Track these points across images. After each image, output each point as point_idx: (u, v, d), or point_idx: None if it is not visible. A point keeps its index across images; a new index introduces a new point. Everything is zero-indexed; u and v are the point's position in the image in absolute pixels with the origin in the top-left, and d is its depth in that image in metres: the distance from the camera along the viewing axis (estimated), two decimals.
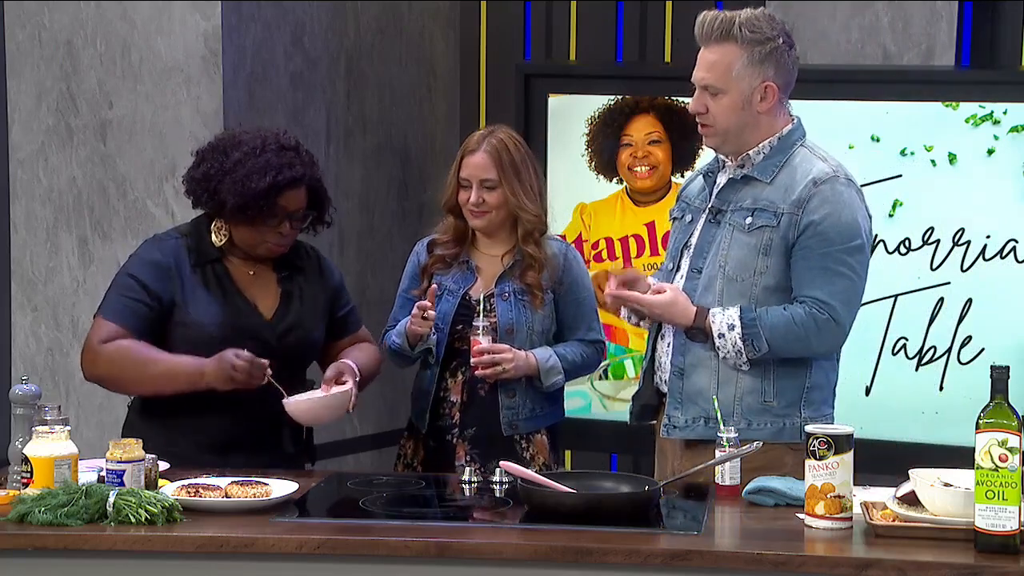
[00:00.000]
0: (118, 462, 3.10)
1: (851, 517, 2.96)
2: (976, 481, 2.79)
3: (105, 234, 4.97)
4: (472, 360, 3.72)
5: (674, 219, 3.67)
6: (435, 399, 3.83)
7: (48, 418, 3.16)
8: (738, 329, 3.39)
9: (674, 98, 4.87)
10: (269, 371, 3.53)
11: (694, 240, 3.52)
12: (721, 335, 3.40)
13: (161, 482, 3.19)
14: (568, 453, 5.12)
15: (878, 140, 4.63)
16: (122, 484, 3.08)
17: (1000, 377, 2.80)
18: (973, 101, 4.54)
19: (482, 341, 3.71)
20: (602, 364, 4.85)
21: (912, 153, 4.61)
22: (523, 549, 2.91)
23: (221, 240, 3.67)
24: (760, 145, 3.46)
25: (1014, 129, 4.51)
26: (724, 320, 3.40)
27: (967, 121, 4.55)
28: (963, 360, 4.59)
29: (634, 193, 4.98)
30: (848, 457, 2.96)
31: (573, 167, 4.99)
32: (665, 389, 3.54)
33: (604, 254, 5.00)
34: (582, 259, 4.01)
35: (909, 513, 2.93)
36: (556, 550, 2.87)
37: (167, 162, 4.86)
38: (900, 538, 2.88)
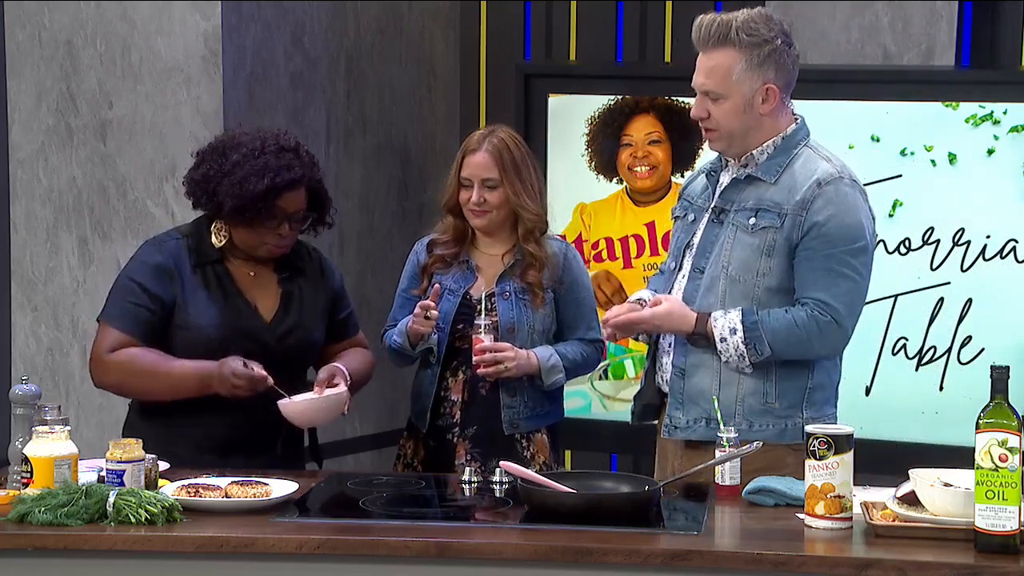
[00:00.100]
0: (118, 462, 3.10)
1: (851, 517, 2.96)
2: (976, 481, 2.79)
3: (105, 234, 4.97)
4: (474, 359, 3.73)
5: (676, 218, 3.66)
6: (436, 398, 3.83)
7: (48, 418, 3.16)
8: (740, 333, 3.38)
9: (674, 98, 4.88)
10: (271, 380, 3.53)
11: (696, 240, 3.51)
12: (723, 339, 3.39)
13: (161, 482, 3.19)
14: (568, 453, 5.12)
15: (878, 140, 4.63)
16: (122, 484, 3.07)
17: (1000, 377, 2.80)
18: (973, 101, 4.54)
19: (484, 340, 3.71)
20: (602, 364, 4.87)
21: (912, 153, 4.61)
22: (523, 549, 2.91)
23: (221, 241, 3.67)
24: (764, 145, 3.45)
25: (1014, 129, 4.51)
26: (726, 324, 3.39)
27: (967, 121, 4.55)
28: (963, 360, 4.59)
29: (634, 193, 4.98)
30: (848, 457, 2.96)
31: (573, 167, 4.99)
32: (667, 389, 3.53)
33: (604, 254, 5.00)
34: (581, 259, 4.01)
35: (909, 513, 2.93)
36: (556, 550, 2.87)
37: (167, 162, 4.86)
38: (900, 538, 2.88)
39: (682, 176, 4.86)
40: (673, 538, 2.95)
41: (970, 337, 4.58)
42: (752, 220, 3.42)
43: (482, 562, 2.90)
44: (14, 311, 5.10)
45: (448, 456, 3.80)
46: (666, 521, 3.12)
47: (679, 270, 3.55)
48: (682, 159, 4.91)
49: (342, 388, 3.61)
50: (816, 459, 2.96)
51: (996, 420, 2.78)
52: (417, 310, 3.73)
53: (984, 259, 4.56)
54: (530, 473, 3.20)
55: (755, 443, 3.25)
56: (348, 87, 5.36)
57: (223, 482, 3.17)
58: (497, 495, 3.35)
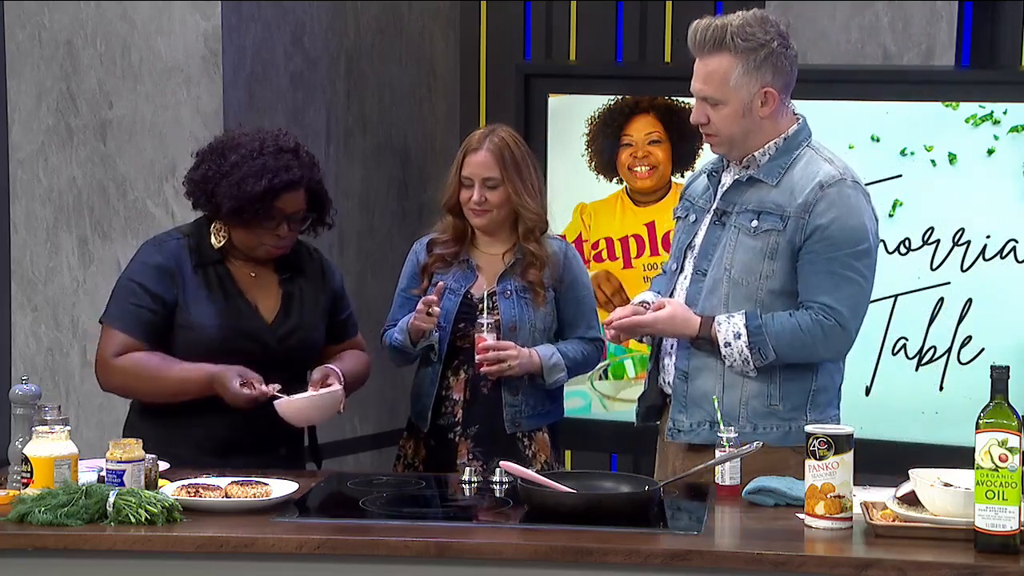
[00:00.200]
0: (118, 462, 3.10)
1: (851, 517, 2.96)
2: (976, 481, 2.79)
3: (105, 234, 4.97)
4: (477, 357, 3.73)
5: (678, 218, 3.65)
6: (437, 398, 3.83)
7: (48, 418, 3.16)
8: (744, 338, 3.37)
9: (674, 98, 4.88)
10: (276, 387, 3.53)
11: (698, 241, 3.50)
12: (727, 344, 3.39)
13: (161, 482, 3.19)
14: (568, 453, 5.12)
15: (878, 140, 4.63)
16: (122, 484, 3.07)
17: (1000, 377, 2.80)
18: (973, 101, 4.54)
19: (487, 338, 3.72)
20: (602, 364, 4.88)
21: (912, 153, 4.61)
22: (523, 549, 2.91)
23: (220, 242, 3.66)
24: (765, 146, 3.43)
25: (1014, 129, 4.51)
26: (730, 329, 3.38)
27: (967, 121, 4.55)
28: (963, 360, 4.59)
29: (634, 193, 4.98)
30: (848, 457, 2.96)
31: (573, 167, 4.99)
32: (669, 391, 3.53)
33: (604, 254, 5.00)
34: (581, 258, 4.02)
35: (909, 513, 2.93)
36: (556, 550, 2.87)
37: (167, 162, 4.86)
38: (900, 538, 2.88)
39: (682, 176, 4.86)
40: (673, 538, 2.95)
41: (970, 337, 4.58)
42: (754, 223, 3.41)
43: (482, 562, 2.90)
44: (14, 311, 5.10)
45: (450, 455, 3.80)
46: (666, 521, 3.12)
47: (680, 271, 3.54)
48: (682, 159, 4.90)
49: (337, 387, 3.60)
50: (816, 459, 2.96)
51: (996, 420, 2.78)
52: (420, 306, 3.73)
53: (984, 259, 4.56)
54: (530, 473, 3.20)
55: (755, 443, 3.25)
56: (348, 87, 5.36)
57: (223, 482, 3.17)
58: (497, 495, 3.35)
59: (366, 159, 5.47)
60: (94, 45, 4.94)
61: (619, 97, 4.96)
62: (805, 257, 3.38)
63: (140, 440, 3.15)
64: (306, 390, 3.63)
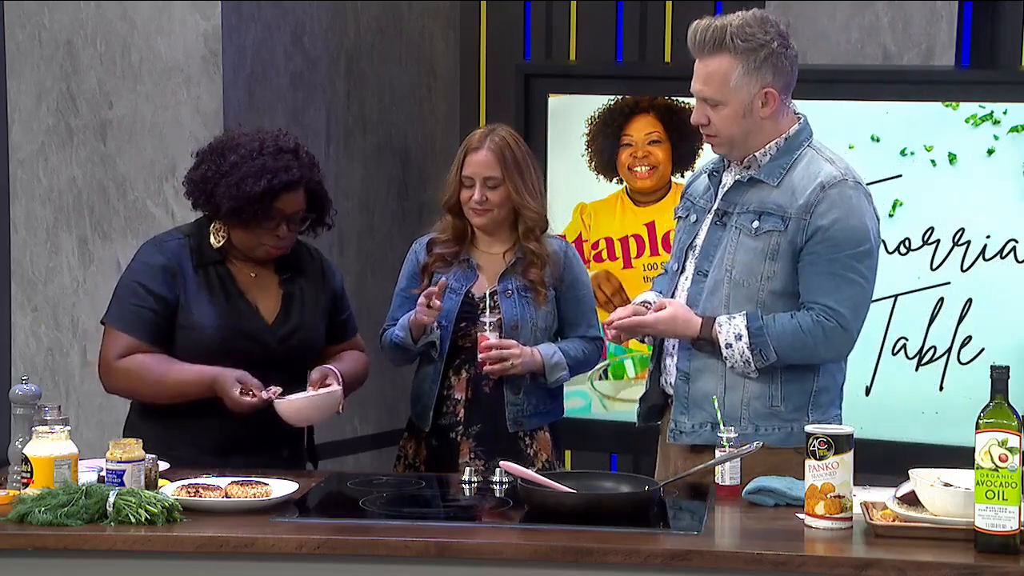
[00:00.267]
0: (118, 462, 3.10)
1: (851, 517, 2.96)
2: (976, 481, 2.79)
3: (105, 234, 4.97)
4: (480, 356, 3.73)
5: (679, 218, 3.64)
6: (438, 397, 3.83)
7: (48, 418, 3.16)
8: (745, 339, 3.37)
9: (674, 98, 4.88)
10: (276, 390, 3.53)
11: (699, 241, 3.50)
12: (728, 345, 3.38)
13: (161, 482, 3.19)
14: (568, 453, 5.12)
15: (878, 140, 4.63)
16: (122, 484, 3.07)
17: (1000, 377, 2.80)
18: (973, 101, 4.54)
19: (490, 337, 3.72)
20: (602, 364, 4.88)
21: (912, 153, 4.61)
22: (523, 549, 2.91)
23: (219, 241, 3.66)
24: (766, 147, 3.42)
25: (1014, 129, 4.51)
26: (731, 330, 3.38)
27: (967, 121, 4.55)
28: (963, 360, 4.59)
29: (634, 193, 4.98)
30: (848, 457, 2.96)
31: (573, 167, 4.99)
32: (671, 391, 3.53)
33: (604, 254, 5.00)
34: (580, 257, 4.02)
35: (909, 513, 2.93)
36: (556, 550, 2.87)
37: (167, 162, 4.86)
38: (900, 538, 2.88)
39: (682, 176, 4.86)
40: (673, 538, 2.95)
41: (970, 337, 4.58)
42: (755, 223, 3.41)
43: (482, 562, 2.90)
44: (14, 311, 5.10)
45: (452, 455, 3.80)
46: (666, 521, 3.12)
47: (682, 272, 3.53)
48: (682, 159, 4.91)
49: (335, 388, 3.60)
50: (816, 459, 2.96)
51: (996, 420, 2.78)
52: (421, 299, 3.73)
53: (984, 259, 4.56)
54: (530, 473, 3.20)
55: (755, 443, 3.25)
56: (348, 87, 5.36)
57: (223, 482, 3.17)
58: (497, 495, 3.35)
59: (366, 159, 5.47)
60: (94, 45, 4.94)
61: (619, 97, 4.96)
62: (806, 258, 3.37)
63: (140, 440, 3.15)
64: (305, 390, 3.63)
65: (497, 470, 3.37)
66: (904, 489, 3.01)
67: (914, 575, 2.75)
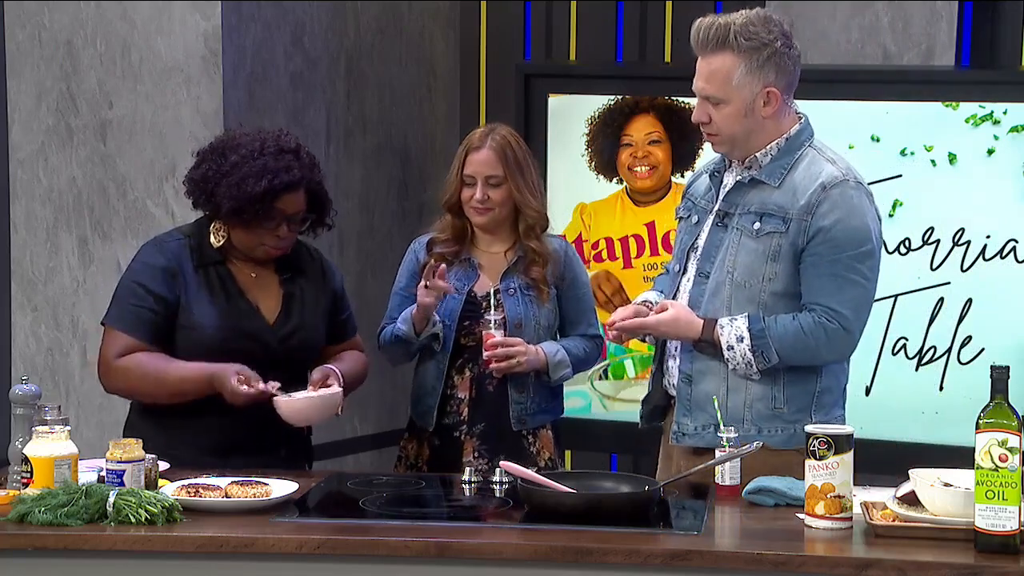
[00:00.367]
0: (118, 462, 3.10)
1: (851, 517, 2.96)
2: (976, 481, 2.79)
3: (105, 234, 4.96)
4: (485, 354, 3.73)
5: (680, 218, 3.63)
6: (442, 396, 3.83)
7: (48, 418, 3.16)
8: (747, 341, 3.36)
9: (674, 98, 4.87)
10: (275, 385, 3.53)
11: (701, 242, 3.49)
12: (730, 347, 3.38)
13: (161, 482, 3.19)
14: (568, 453, 5.12)
15: (878, 140, 4.63)
16: (122, 484, 3.07)
17: (1000, 377, 2.80)
18: (973, 101, 4.54)
19: (495, 335, 3.72)
20: (602, 364, 4.88)
21: (912, 153, 4.61)
22: (523, 549, 2.91)
23: (219, 241, 3.66)
24: (767, 147, 3.42)
25: (1014, 129, 4.51)
26: (732, 332, 3.37)
27: (967, 121, 4.55)
28: (963, 360, 4.59)
29: (634, 193, 4.98)
30: (848, 457, 2.96)
31: (573, 167, 4.99)
32: (674, 392, 3.52)
33: (604, 254, 5.00)
34: (579, 257, 4.03)
35: (909, 513, 2.93)
36: (556, 550, 2.87)
37: (167, 162, 4.86)
38: (900, 538, 2.88)
39: (682, 176, 4.86)
40: (673, 538, 2.95)
41: (970, 337, 4.58)
42: (757, 225, 3.40)
43: (482, 562, 2.90)
44: (14, 311, 5.10)
45: (455, 454, 3.80)
46: (666, 521, 3.12)
47: (683, 273, 3.53)
48: (682, 159, 4.90)
49: (336, 388, 3.60)
50: (816, 459, 2.96)
51: (996, 420, 2.78)
52: (423, 282, 3.71)
53: (984, 259, 4.56)
54: (530, 473, 3.20)
55: (755, 443, 3.25)
56: (348, 87, 5.36)
57: (223, 482, 3.17)
58: (497, 495, 3.34)
59: (366, 159, 5.47)
60: (94, 45, 4.94)
61: (619, 97, 4.96)
62: (808, 259, 3.36)
63: (140, 440, 3.15)
64: (306, 390, 3.63)
65: (497, 470, 3.37)
66: (904, 489, 3.01)
67: (914, 575, 2.75)
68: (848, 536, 2.93)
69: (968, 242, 4.57)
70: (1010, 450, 2.75)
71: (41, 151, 5.03)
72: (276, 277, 3.73)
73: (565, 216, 4.91)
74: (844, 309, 3.35)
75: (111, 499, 3.00)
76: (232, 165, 3.59)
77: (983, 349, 4.56)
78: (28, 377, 3.38)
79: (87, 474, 3.21)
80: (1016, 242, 4.52)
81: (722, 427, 3.32)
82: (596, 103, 4.98)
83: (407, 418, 3.96)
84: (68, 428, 3.16)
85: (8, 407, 3.26)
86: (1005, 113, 4.51)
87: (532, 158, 3.90)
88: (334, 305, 3.82)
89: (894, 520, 2.93)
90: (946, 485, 2.94)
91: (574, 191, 5.00)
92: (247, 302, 3.66)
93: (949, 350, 4.61)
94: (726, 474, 3.25)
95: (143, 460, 3.13)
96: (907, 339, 4.65)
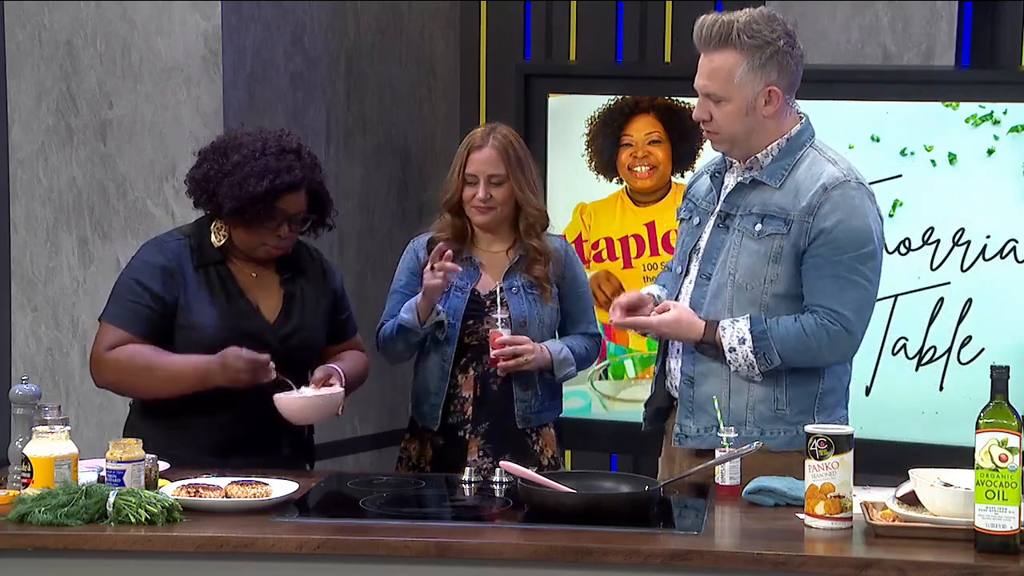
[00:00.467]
0: (118, 462, 3.10)
1: (851, 517, 2.96)
2: (976, 481, 2.79)
3: (105, 234, 4.97)
4: (493, 352, 3.73)
5: (681, 220, 3.63)
6: (445, 396, 3.83)
7: (48, 418, 3.16)
8: (749, 343, 3.35)
9: (674, 98, 4.87)
10: (273, 364, 3.52)
11: (702, 244, 3.48)
12: (732, 349, 3.37)
13: (161, 482, 3.19)
14: (568, 453, 5.12)
15: (878, 140, 4.63)
16: (122, 484, 3.07)
17: (1000, 377, 2.80)
18: (973, 101, 4.54)
19: (503, 333, 3.72)
20: (602, 364, 4.88)
21: (912, 153, 4.61)
22: (523, 549, 2.91)
23: (220, 240, 3.66)
24: (768, 148, 3.41)
25: (1014, 129, 4.51)
26: (734, 334, 3.37)
27: (967, 121, 4.55)
28: (963, 360, 4.59)
29: (634, 193, 4.98)
30: (848, 457, 2.96)
31: (573, 167, 4.99)
32: (676, 394, 3.52)
33: (604, 254, 5.00)
34: (578, 256, 4.04)
35: (909, 513, 2.93)
36: (556, 550, 2.87)
37: (167, 162, 4.86)
38: (900, 538, 2.88)
39: (682, 176, 4.86)
40: (673, 538, 2.95)
41: (970, 337, 4.58)
42: (758, 226, 3.39)
43: (482, 562, 2.90)
44: (14, 311, 5.10)
45: (459, 454, 3.80)
46: (666, 521, 3.12)
47: (685, 274, 3.52)
48: (682, 159, 4.90)
49: (338, 388, 3.61)
50: (816, 459, 2.96)
51: (996, 420, 2.78)
52: (433, 255, 3.69)
53: (984, 259, 4.56)
54: (530, 473, 3.20)
55: (755, 443, 3.25)
56: (348, 87, 5.36)
57: (223, 482, 3.17)
58: (497, 495, 3.35)
59: (366, 159, 5.47)
60: (94, 45, 4.94)
61: (619, 97, 4.96)
62: (810, 261, 3.36)
63: (140, 440, 3.15)
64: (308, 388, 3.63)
65: (497, 470, 3.37)
66: (904, 489, 3.01)
67: (914, 575, 2.75)
68: (848, 536, 2.93)
69: (968, 242, 4.57)
70: (1010, 450, 2.75)
71: (41, 151, 5.03)
72: (276, 277, 3.73)
73: (565, 216, 4.91)
74: (846, 310, 3.34)
75: (111, 499, 3.00)
76: (234, 165, 3.59)
77: (983, 349, 4.56)
78: (28, 377, 3.38)
79: (87, 474, 3.21)
80: (1016, 242, 4.52)
81: (722, 427, 3.32)
82: (596, 103, 4.98)
83: (407, 418, 3.96)
84: (68, 428, 3.16)
85: (8, 407, 3.26)
86: (1005, 113, 4.51)
87: (530, 156, 3.90)
88: (334, 305, 3.82)
89: (894, 520, 2.93)
90: (946, 485, 2.94)
91: (574, 191, 5.00)
92: (247, 302, 3.66)
93: (949, 350, 4.61)
94: (726, 474, 3.25)
95: (143, 460, 3.13)
96: (907, 339, 4.65)
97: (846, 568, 2.79)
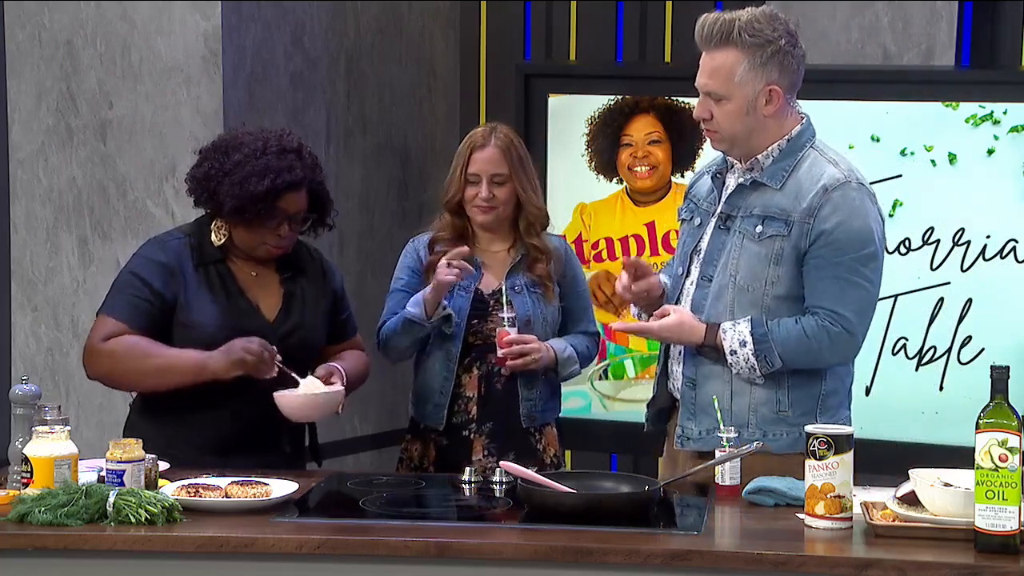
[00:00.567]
0: (118, 462, 3.10)
1: (851, 517, 2.96)
2: (976, 481, 2.79)
3: (105, 234, 4.97)
4: (500, 351, 3.73)
5: (682, 220, 3.62)
6: (450, 395, 3.83)
7: (48, 418, 3.16)
8: (750, 346, 3.35)
9: (674, 98, 4.87)
10: (279, 357, 3.53)
11: (703, 245, 3.47)
12: (733, 352, 3.36)
13: (161, 482, 3.19)
14: (568, 453, 5.12)
15: (878, 140, 4.63)
16: (122, 484, 3.07)
17: (1000, 377, 2.80)
18: (973, 101, 4.54)
19: (510, 332, 3.72)
20: (602, 364, 4.88)
21: (912, 153, 4.61)
22: (523, 549, 2.91)
23: (220, 239, 3.67)
24: (769, 148, 3.40)
25: (1014, 129, 4.51)
26: (735, 336, 3.36)
27: (967, 121, 4.55)
28: (963, 360, 4.59)
29: (634, 193, 4.98)
30: (848, 457, 2.96)
31: (573, 167, 4.99)
32: (678, 396, 3.52)
33: (604, 254, 5.00)
34: (577, 255, 4.05)
35: (909, 513, 2.93)
36: (556, 550, 2.87)
37: (167, 162, 4.86)
38: (900, 538, 2.88)
39: (682, 176, 4.86)
40: (673, 538, 2.95)
41: (970, 337, 4.58)
42: (759, 228, 3.39)
43: (482, 562, 2.90)
44: (14, 311, 5.10)
45: (463, 453, 3.80)
46: (666, 521, 3.12)
47: (687, 276, 3.51)
48: (682, 159, 4.90)
49: (338, 387, 3.61)
50: (816, 459, 2.96)
51: (996, 420, 2.78)
52: (450, 253, 3.70)
53: (984, 259, 4.56)
54: (530, 473, 3.20)
55: (754, 443, 3.25)
56: (348, 87, 5.36)
57: (223, 482, 3.17)
58: (497, 495, 3.35)
59: (366, 159, 5.47)
60: (94, 45, 4.94)
61: (619, 97, 4.96)
62: (811, 262, 3.35)
63: (140, 440, 3.15)
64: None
65: (497, 470, 3.37)
66: (904, 489, 3.01)
67: (914, 575, 2.75)
68: (848, 536, 2.93)
69: (968, 242, 4.57)
70: (1010, 450, 2.75)
71: (41, 151, 5.03)
72: (276, 276, 3.73)
73: (565, 216, 4.91)
74: (847, 312, 3.34)
75: (111, 499, 3.00)
76: (235, 164, 3.59)
77: (983, 349, 4.56)
78: (28, 377, 3.38)
79: (87, 474, 3.21)
80: (1016, 242, 4.52)
81: (722, 427, 3.32)
82: (596, 103, 4.98)
83: (407, 418, 3.96)
84: (68, 428, 3.16)
85: (8, 407, 3.26)
86: (1005, 113, 4.51)
87: (529, 155, 3.91)
88: (334, 305, 3.82)
89: (894, 520, 2.93)
90: (946, 485, 2.94)
91: (574, 191, 5.00)
92: (247, 301, 3.66)
93: (949, 350, 4.61)
94: (726, 474, 3.25)
95: (143, 460, 3.13)
96: (907, 339, 4.65)
97: (846, 568, 2.79)
